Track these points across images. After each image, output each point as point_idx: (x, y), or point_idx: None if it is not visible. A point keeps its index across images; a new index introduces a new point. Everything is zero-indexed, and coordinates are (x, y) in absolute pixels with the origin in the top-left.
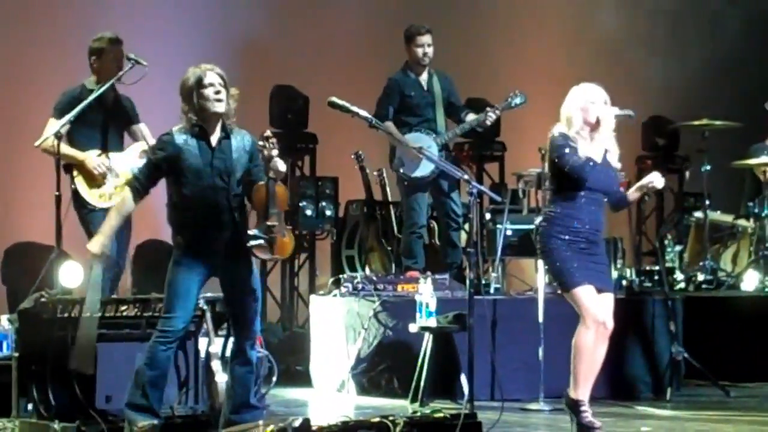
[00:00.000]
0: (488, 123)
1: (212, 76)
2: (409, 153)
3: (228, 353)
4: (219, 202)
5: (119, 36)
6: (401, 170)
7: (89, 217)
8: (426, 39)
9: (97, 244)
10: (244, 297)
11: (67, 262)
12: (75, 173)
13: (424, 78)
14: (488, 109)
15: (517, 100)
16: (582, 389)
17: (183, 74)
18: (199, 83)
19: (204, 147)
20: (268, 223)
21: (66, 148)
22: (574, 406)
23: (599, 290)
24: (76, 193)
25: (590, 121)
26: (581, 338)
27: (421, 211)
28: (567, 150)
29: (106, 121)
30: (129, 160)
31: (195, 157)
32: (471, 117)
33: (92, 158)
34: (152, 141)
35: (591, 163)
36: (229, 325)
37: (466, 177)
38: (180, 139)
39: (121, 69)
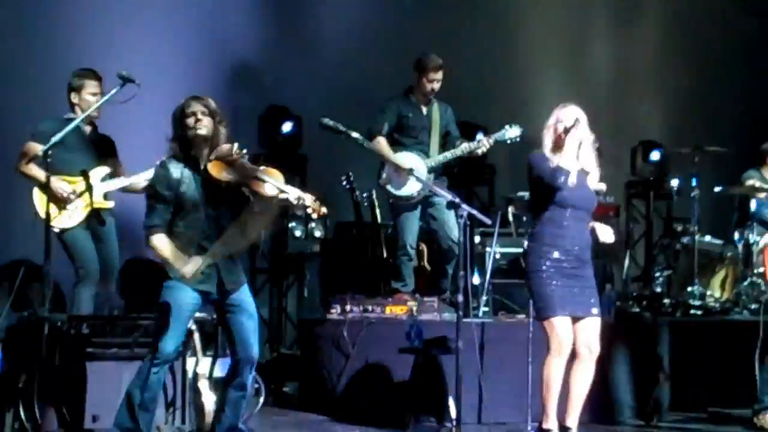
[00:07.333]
0: (479, 153)
1: (194, 105)
2: (398, 171)
3: (216, 374)
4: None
5: (98, 72)
6: (387, 187)
7: (64, 237)
8: (438, 75)
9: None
10: (245, 321)
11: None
12: (37, 193)
13: (424, 104)
14: (480, 137)
15: (512, 134)
16: (552, 418)
17: (174, 96)
18: (182, 112)
19: (195, 174)
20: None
21: (33, 169)
22: None
23: (581, 318)
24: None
25: (560, 140)
26: (548, 368)
27: (408, 231)
28: (541, 162)
29: (85, 148)
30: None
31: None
32: (464, 145)
33: (55, 181)
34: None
35: (562, 176)
36: (230, 349)
37: (457, 200)
38: (173, 168)
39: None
